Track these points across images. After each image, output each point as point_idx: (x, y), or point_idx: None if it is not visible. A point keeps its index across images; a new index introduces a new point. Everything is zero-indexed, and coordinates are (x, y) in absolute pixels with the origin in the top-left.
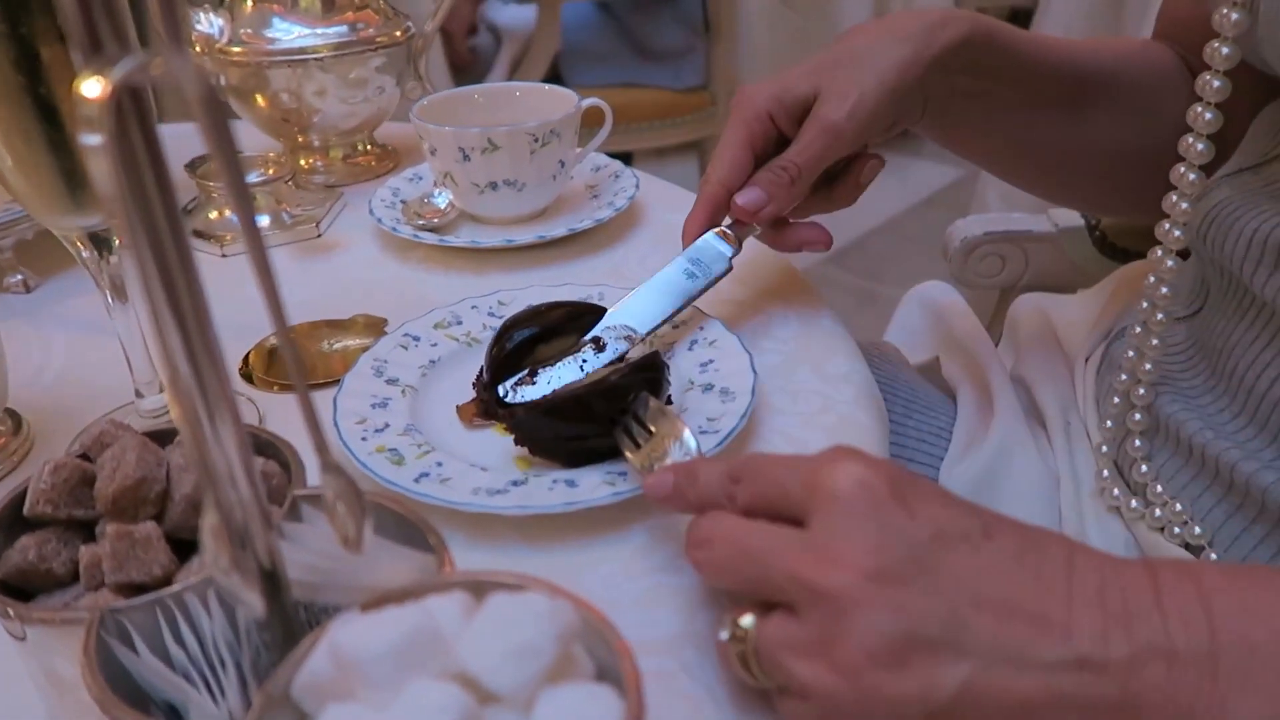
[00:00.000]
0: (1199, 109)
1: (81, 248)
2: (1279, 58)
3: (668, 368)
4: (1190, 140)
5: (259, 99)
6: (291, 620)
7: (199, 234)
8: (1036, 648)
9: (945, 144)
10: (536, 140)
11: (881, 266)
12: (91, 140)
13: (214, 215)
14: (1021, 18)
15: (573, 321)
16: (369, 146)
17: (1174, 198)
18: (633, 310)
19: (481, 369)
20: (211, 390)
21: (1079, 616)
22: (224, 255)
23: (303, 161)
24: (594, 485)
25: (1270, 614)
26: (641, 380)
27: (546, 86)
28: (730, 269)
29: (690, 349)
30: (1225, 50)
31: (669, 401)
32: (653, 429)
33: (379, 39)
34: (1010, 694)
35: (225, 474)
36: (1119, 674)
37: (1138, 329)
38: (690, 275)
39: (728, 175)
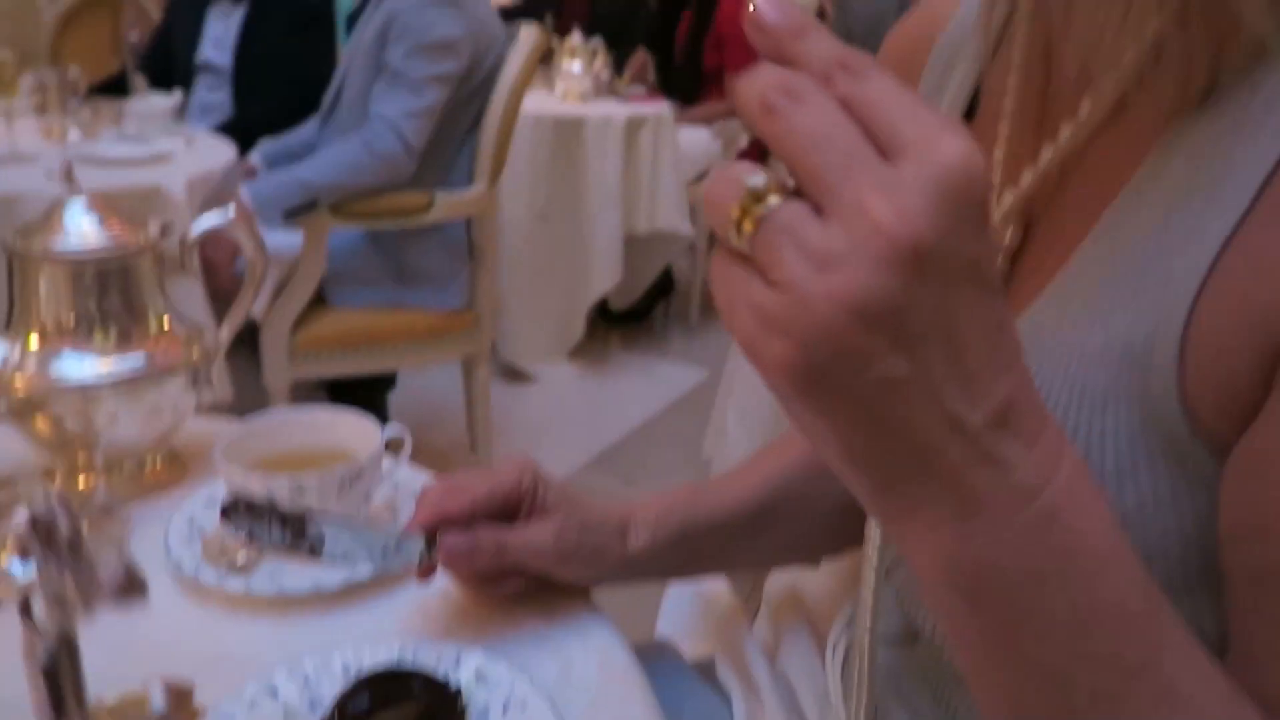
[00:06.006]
0: None
1: None
2: None
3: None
4: None
5: (39, 421)
6: None
7: None
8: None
9: None
10: (345, 482)
11: (638, 470)
12: None
13: None
14: None
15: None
16: (158, 460)
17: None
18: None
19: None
20: None
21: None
22: None
23: (81, 482)
24: None
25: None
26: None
27: (352, 416)
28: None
29: (505, 713)
30: None
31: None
32: None
33: (177, 365)
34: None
35: None
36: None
37: (854, 653)
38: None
39: (446, 501)
